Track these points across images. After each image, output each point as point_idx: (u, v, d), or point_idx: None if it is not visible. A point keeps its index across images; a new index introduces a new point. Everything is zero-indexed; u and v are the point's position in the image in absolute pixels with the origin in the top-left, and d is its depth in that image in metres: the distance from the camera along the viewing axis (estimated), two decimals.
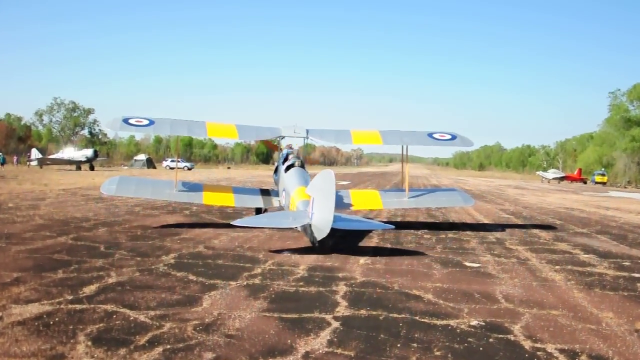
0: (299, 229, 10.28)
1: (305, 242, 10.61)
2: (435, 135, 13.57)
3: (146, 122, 12.90)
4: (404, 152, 13.87)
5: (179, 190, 13.33)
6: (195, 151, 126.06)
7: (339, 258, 9.46)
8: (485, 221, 16.88)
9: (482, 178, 79.92)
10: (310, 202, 9.70)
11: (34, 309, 5.81)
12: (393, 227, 10.80)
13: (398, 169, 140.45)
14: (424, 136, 13.66)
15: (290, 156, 13.52)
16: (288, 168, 12.74)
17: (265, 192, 13.95)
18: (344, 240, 11.49)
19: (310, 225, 9.38)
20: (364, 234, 12.69)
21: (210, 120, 13.28)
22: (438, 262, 9.41)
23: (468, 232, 13.81)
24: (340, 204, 13.14)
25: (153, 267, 8.14)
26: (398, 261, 9.40)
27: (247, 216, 11.58)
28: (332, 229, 9.30)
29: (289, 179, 12.08)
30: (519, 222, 17.08)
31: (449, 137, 13.58)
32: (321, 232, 9.29)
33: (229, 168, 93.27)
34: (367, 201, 13.66)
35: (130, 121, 12.86)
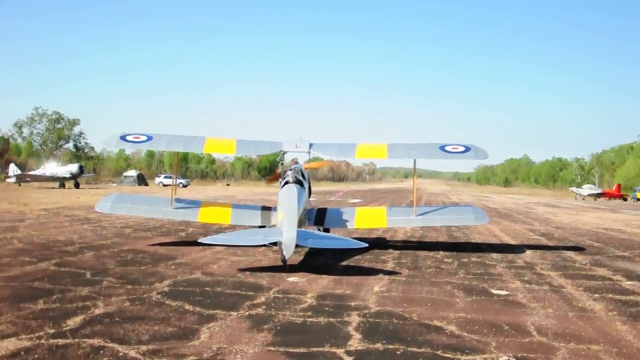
0: (278, 246, 10.55)
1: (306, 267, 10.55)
2: (447, 148, 13.74)
3: (144, 138, 13.71)
4: (414, 167, 14.28)
5: (175, 207, 13.98)
6: (191, 166, 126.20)
7: (351, 285, 9.45)
8: (513, 243, 16.81)
9: (508, 195, 79.59)
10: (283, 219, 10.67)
11: (10, 344, 5.80)
12: (366, 245, 11.17)
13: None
14: (435, 149, 13.85)
15: (290, 172, 14.14)
16: (286, 184, 13.37)
17: (266, 209, 14.38)
18: (355, 266, 11.51)
19: (281, 243, 9.96)
20: (378, 257, 12.75)
21: (212, 136, 13.94)
22: (461, 289, 9.37)
23: (494, 256, 13.77)
24: (339, 222, 14.01)
25: (145, 295, 8.15)
26: (416, 288, 9.38)
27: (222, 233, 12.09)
28: (302, 246, 9.97)
29: (280, 196, 12.83)
30: (551, 244, 16.97)
31: (462, 149, 13.72)
32: (287, 248, 9.86)
33: (228, 185, 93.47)
34: (371, 219, 14.31)
35: (128, 138, 13.70)
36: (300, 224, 12.32)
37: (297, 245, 10.23)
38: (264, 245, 11.70)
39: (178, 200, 14.70)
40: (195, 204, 14.84)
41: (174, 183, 15.41)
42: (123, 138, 13.79)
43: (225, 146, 14.49)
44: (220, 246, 12.78)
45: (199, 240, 10.78)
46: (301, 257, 12.20)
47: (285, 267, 10.57)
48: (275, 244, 10.48)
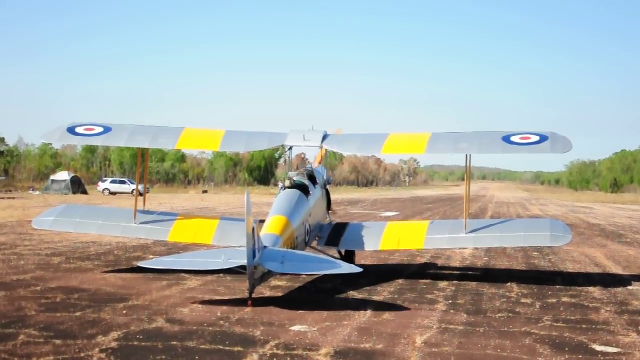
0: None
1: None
2: (513, 138, 14.00)
3: (99, 129, 14.52)
4: (467, 165, 14.67)
5: (140, 222, 14.67)
6: (151, 166, 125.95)
7: (383, 336, 9.41)
8: (625, 275, 16.66)
9: (617, 204, 79.06)
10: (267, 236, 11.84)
11: None
12: (361, 270, 11.49)
13: (477, 190, 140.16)
14: (496, 140, 14.13)
15: (294, 173, 14.91)
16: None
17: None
18: (390, 306, 11.49)
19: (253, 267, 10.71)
20: (422, 295, 12.75)
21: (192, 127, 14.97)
22: (547, 344, 9.27)
23: (596, 294, 13.65)
24: (358, 241, 14.69)
25: (82, 355, 8.11)
26: (479, 341, 9.31)
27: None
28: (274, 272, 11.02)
29: (273, 205, 13.59)
30: None
31: (535, 138, 13.94)
32: (249, 276, 10.71)
33: (204, 192, 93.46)
34: (404, 238, 14.77)
35: (78, 130, 14.48)
36: (291, 242, 12.74)
37: (268, 272, 11.06)
38: (229, 271, 11.98)
39: (144, 212, 15.15)
40: (169, 216, 15.40)
41: (137, 189, 16.15)
42: (71, 130, 14.42)
43: (208, 140, 15.17)
44: (168, 270, 13.05)
45: (137, 264, 11.43)
46: (299, 285, 12.21)
47: (247, 303, 11.07)
48: (244, 267, 10.79)
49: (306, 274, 12.33)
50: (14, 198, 53.41)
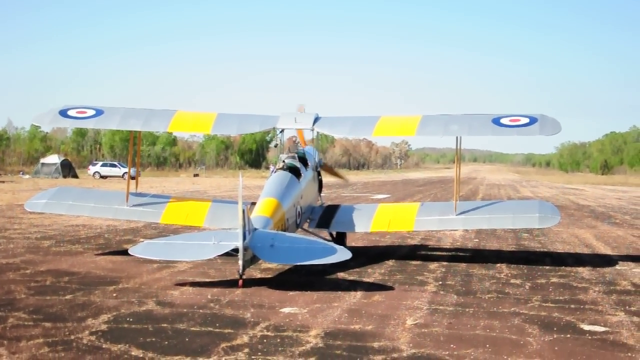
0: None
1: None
2: (503, 120, 14.05)
3: (92, 112, 14.62)
4: (458, 147, 14.79)
5: (132, 205, 14.82)
6: (143, 149, 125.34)
7: (373, 316, 9.47)
8: (614, 256, 16.76)
9: (608, 186, 79.27)
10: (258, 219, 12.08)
11: None
12: (350, 255, 11.57)
13: (468, 172, 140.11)
14: (485, 122, 14.19)
15: (284, 155, 15.05)
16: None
17: None
18: (379, 287, 11.57)
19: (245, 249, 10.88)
20: (412, 276, 12.83)
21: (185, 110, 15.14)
22: (536, 324, 9.34)
23: (585, 274, 13.74)
24: (349, 223, 14.83)
25: (72, 337, 8.14)
26: (468, 321, 9.38)
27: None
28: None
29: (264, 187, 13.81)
30: None
31: (525, 120, 13.99)
32: (241, 257, 10.85)
33: (196, 175, 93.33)
34: (395, 220, 14.97)
35: (70, 113, 14.56)
36: (282, 225, 12.88)
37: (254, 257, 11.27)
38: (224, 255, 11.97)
39: (137, 195, 15.29)
40: (161, 199, 15.62)
41: (129, 172, 16.24)
42: (63, 113, 14.49)
43: (200, 123, 15.27)
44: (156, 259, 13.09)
45: (129, 251, 11.79)
46: (290, 267, 12.38)
47: (238, 283, 11.18)
48: (237, 250, 10.90)
49: (294, 265, 12.43)
50: (3, 182, 53.14)
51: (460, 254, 16.61)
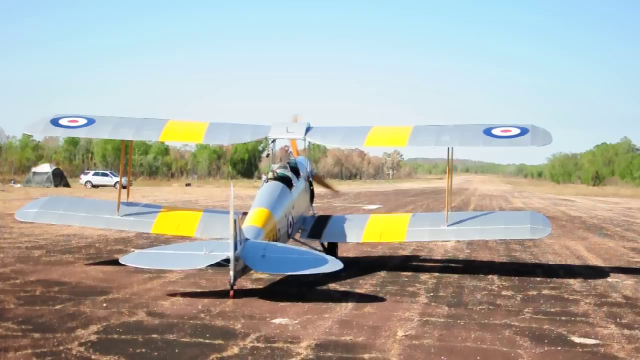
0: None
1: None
2: (495, 131, 14.12)
3: (83, 121, 14.67)
4: (449, 157, 14.85)
5: (124, 214, 14.84)
6: (135, 159, 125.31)
7: (364, 328, 9.46)
8: (605, 267, 16.79)
9: (599, 197, 79.51)
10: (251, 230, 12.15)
11: None
12: (342, 266, 11.62)
13: (460, 182, 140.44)
14: (477, 133, 14.22)
15: (276, 165, 15.15)
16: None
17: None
18: (371, 298, 11.54)
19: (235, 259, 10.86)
20: (404, 287, 12.80)
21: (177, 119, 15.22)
22: (527, 336, 9.34)
23: (576, 286, 13.75)
24: (341, 234, 14.83)
25: (61, 348, 8.10)
26: (459, 333, 9.37)
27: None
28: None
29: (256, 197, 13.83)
30: None
31: (516, 131, 14.07)
32: (232, 267, 10.83)
33: (188, 185, 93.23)
34: (386, 231, 14.96)
35: (62, 122, 14.64)
36: (273, 235, 12.91)
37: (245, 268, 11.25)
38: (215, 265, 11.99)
39: (128, 205, 15.32)
40: (153, 208, 15.57)
41: (121, 181, 16.49)
42: (55, 122, 14.57)
43: (192, 132, 15.29)
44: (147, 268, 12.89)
45: (120, 260, 11.82)
46: (281, 278, 12.30)
47: (229, 294, 11.15)
48: (228, 261, 10.89)
49: (285, 275, 12.51)
50: None
51: (452, 265, 16.61)
